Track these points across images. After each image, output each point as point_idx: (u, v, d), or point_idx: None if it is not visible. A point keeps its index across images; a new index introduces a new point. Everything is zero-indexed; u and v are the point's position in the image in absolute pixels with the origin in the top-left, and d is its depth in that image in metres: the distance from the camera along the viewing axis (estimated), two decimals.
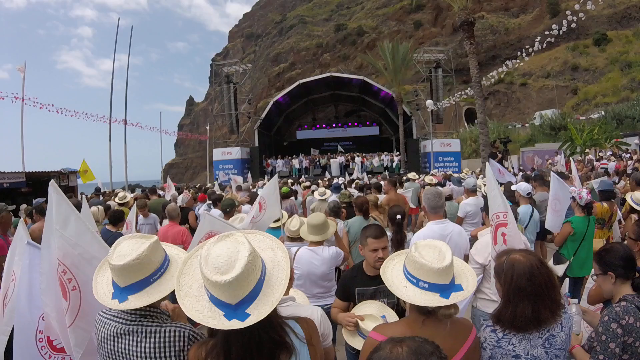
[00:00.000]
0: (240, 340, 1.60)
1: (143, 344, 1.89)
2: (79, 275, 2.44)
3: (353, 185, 13.13)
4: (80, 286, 2.42)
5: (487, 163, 3.93)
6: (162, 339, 1.89)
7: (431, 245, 2.06)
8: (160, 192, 13.66)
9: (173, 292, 1.81)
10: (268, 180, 20.32)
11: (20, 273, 2.71)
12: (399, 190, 9.62)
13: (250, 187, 14.19)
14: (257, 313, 1.56)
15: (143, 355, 1.89)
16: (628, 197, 5.76)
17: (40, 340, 2.61)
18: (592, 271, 2.76)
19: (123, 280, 1.89)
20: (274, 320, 1.67)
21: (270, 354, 1.65)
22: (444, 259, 1.96)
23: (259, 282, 1.60)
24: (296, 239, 4.83)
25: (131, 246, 1.92)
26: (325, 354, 2.09)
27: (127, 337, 1.92)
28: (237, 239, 1.65)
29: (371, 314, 2.86)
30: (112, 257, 1.88)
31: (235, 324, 1.53)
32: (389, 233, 4.85)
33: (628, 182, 8.90)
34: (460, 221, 7.00)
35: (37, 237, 2.78)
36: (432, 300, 1.92)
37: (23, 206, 9.88)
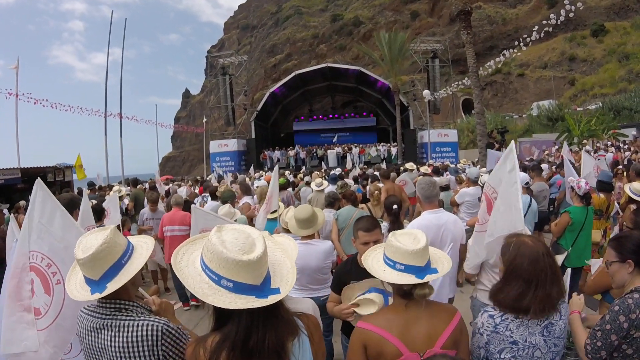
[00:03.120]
0: (263, 318, 1.58)
1: (117, 339, 1.88)
2: (64, 270, 2.42)
3: (350, 177, 13.11)
4: (65, 281, 2.40)
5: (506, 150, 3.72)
6: (134, 333, 1.87)
7: (408, 232, 2.20)
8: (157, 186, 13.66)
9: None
10: (265, 172, 20.22)
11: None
12: (397, 179, 9.62)
13: (248, 179, 14.13)
14: (284, 285, 1.63)
15: (118, 349, 1.87)
16: (626, 187, 5.72)
17: None
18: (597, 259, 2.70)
19: (97, 272, 1.86)
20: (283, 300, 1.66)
21: (279, 333, 1.61)
22: (418, 243, 2.07)
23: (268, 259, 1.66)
24: None
25: (93, 237, 1.91)
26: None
27: (104, 331, 1.91)
28: (233, 226, 1.66)
29: (367, 297, 2.81)
30: (78, 254, 1.86)
31: (276, 297, 1.57)
32: (385, 224, 4.83)
33: (624, 172, 8.87)
34: (455, 206, 7.03)
35: None
36: (408, 279, 2.01)
37: (22, 203, 9.78)
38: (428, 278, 2.03)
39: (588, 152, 17.15)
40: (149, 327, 1.88)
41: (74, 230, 2.58)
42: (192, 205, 4.44)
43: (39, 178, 2.66)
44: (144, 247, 2.06)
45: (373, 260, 2.25)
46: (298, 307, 2.06)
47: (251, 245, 1.56)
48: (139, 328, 1.88)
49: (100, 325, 1.92)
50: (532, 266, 2.08)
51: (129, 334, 1.87)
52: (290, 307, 1.81)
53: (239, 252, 1.52)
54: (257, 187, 9.69)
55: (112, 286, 1.87)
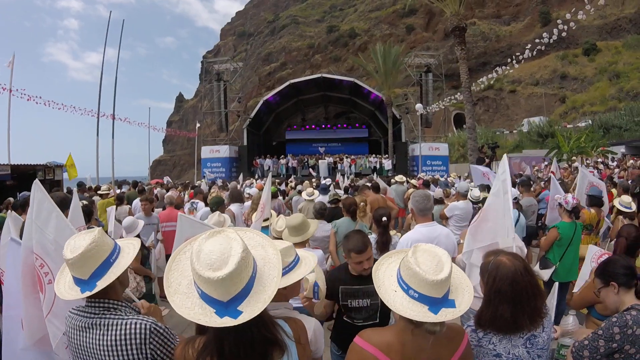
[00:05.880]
0: (233, 338, 1.58)
1: (106, 337, 1.89)
2: (56, 270, 2.49)
3: (341, 187, 13.12)
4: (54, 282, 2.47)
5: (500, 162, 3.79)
6: (122, 332, 1.89)
7: (431, 252, 1.87)
8: (147, 188, 13.57)
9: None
10: (255, 180, 20.16)
11: (6, 270, 2.88)
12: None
13: (239, 186, 14.07)
14: (249, 310, 1.54)
15: (106, 348, 1.89)
16: (616, 202, 5.90)
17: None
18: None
19: (87, 271, 1.91)
20: (266, 318, 1.65)
21: (263, 351, 1.64)
22: (441, 271, 1.78)
23: (250, 279, 1.59)
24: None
25: (81, 238, 1.96)
26: None
27: (92, 330, 1.93)
28: (229, 235, 1.62)
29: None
30: (67, 254, 1.90)
31: (228, 322, 1.51)
32: (374, 236, 4.84)
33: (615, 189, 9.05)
34: (444, 220, 7.06)
35: None
36: (418, 312, 1.76)
37: (10, 199, 9.68)
38: (442, 314, 1.77)
39: (576, 168, 17.35)
40: (138, 326, 1.90)
41: (67, 232, 2.66)
42: (179, 213, 4.41)
43: (37, 179, 2.77)
44: (130, 247, 2.11)
45: (385, 273, 1.98)
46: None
47: (222, 262, 1.52)
48: (128, 326, 1.90)
49: (89, 324, 1.94)
50: (512, 287, 2.06)
51: (118, 332, 1.89)
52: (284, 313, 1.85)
53: (206, 267, 1.51)
54: (247, 194, 9.65)
55: (102, 284, 1.91)
